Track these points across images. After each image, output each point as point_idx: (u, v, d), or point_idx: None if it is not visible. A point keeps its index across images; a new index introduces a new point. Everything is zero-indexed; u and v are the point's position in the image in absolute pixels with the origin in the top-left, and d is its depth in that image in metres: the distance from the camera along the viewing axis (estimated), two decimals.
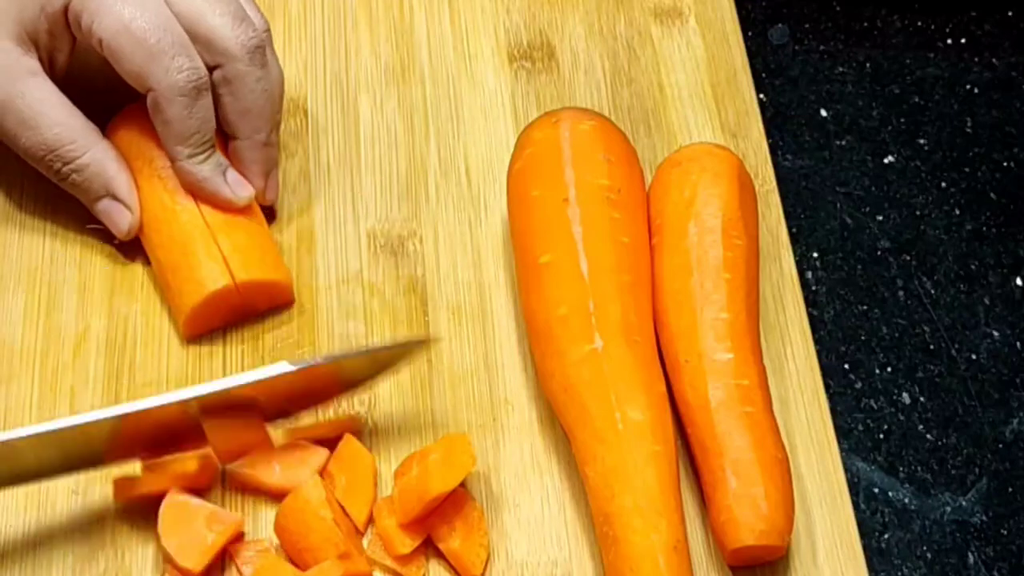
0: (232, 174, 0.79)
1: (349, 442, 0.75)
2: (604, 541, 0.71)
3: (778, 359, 0.79)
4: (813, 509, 0.75)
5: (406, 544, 0.72)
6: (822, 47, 0.95)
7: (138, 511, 0.74)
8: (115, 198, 0.79)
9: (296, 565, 0.71)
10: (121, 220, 0.80)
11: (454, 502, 0.73)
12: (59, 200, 0.82)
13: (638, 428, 0.72)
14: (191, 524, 0.72)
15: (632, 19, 0.92)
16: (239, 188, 0.79)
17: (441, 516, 0.73)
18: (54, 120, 0.78)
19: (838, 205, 0.88)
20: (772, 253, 0.83)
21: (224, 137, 0.80)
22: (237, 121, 0.79)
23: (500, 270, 0.82)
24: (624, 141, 0.81)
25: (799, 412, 0.78)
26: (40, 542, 0.73)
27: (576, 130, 0.79)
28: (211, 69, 0.78)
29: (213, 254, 0.78)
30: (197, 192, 0.79)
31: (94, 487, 0.75)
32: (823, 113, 0.92)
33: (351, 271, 0.82)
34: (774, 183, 0.86)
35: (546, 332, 0.75)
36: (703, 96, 0.89)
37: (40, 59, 0.78)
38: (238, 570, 0.72)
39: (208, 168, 0.78)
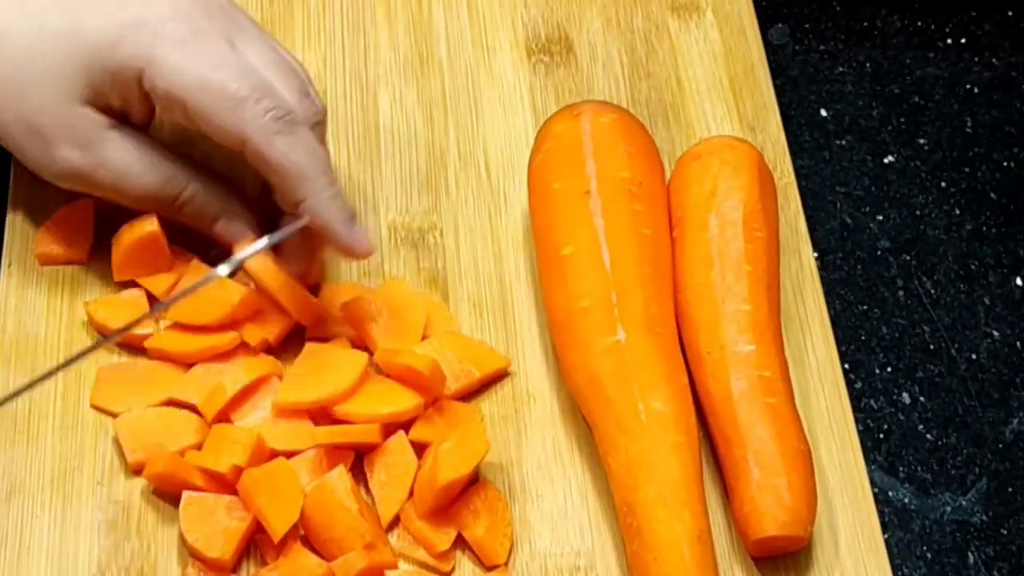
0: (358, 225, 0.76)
1: (399, 439, 0.75)
2: (628, 531, 0.71)
3: (798, 351, 0.79)
4: (834, 499, 0.75)
5: (442, 540, 0.73)
6: (822, 47, 0.95)
7: (163, 501, 0.74)
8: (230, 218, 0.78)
9: (322, 556, 0.72)
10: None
11: (478, 491, 0.74)
12: None
13: (661, 419, 0.72)
14: (212, 515, 0.72)
15: (649, 13, 0.92)
16: (362, 235, 0.76)
17: (466, 504, 0.73)
18: (139, 174, 0.76)
19: (838, 205, 0.88)
20: (791, 245, 0.83)
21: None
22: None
23: (521, 262, 0.83)
24: (644, 134, 0.81)
25: (820, 403, 0.78)
26: (66, 533, 0.73)
27: (597, 123, 0.79)
28: None
29: None
30: (324, 236, 0.75)
31: (119, 479, 0.75)
32: (823, 113, 0.92)
33: (372, 264, 0.82)
34: (792, 176, 0.86)
35: (569, 324, 0.76)
36: (721, 89, 0.89)
37: (114, 115, 0.76)
38: (263, 560, 0.73)
39: (336, 207, 0.74)
